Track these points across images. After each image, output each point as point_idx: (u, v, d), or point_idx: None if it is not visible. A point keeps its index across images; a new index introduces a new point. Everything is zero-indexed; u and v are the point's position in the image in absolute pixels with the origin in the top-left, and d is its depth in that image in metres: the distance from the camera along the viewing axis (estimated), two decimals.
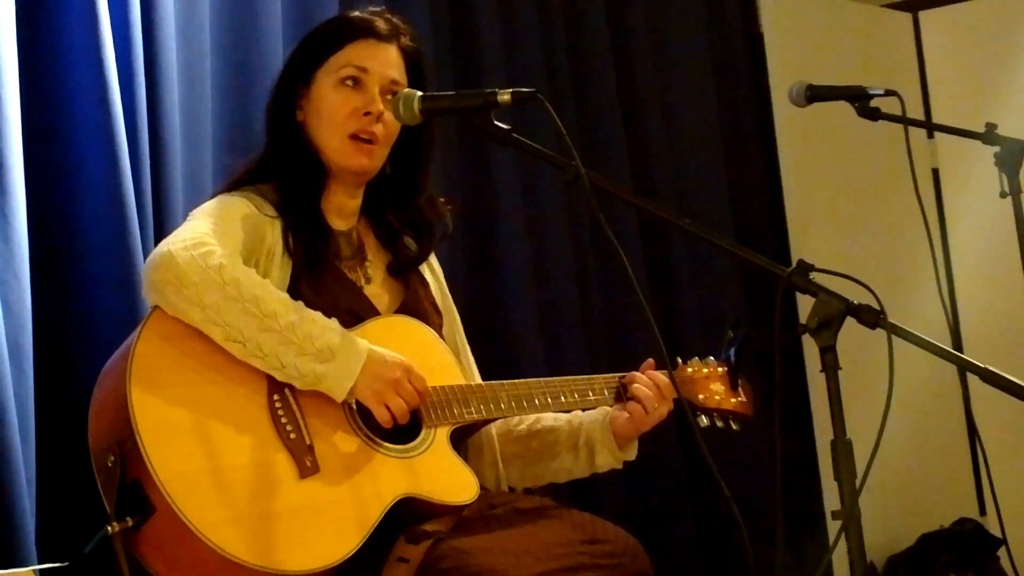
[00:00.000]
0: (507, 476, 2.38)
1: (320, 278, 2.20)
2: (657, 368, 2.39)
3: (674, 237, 4.09)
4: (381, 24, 2.30)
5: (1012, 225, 2.81)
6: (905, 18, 5.01)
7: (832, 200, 4.59)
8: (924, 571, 4.36)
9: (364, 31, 2.29)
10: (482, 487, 2.20)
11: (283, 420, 2.02)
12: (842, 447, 1.77)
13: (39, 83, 2.54)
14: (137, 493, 1.91)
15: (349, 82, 2.27)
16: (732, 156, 4.41)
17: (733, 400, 2.50)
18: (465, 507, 2.13)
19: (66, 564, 2.17)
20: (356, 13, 2.37)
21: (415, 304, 2.32)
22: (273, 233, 2.20)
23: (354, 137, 2.25)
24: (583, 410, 2.38)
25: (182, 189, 2.72)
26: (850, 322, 1.79)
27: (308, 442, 2.02)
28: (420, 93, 2.09)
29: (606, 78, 4.00)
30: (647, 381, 2.36)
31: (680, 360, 2.50)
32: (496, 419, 2.33)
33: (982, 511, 4.68)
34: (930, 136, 4.77)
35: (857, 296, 1.80)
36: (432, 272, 2.45)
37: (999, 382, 1.73)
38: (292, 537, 1.94)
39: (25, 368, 2.38)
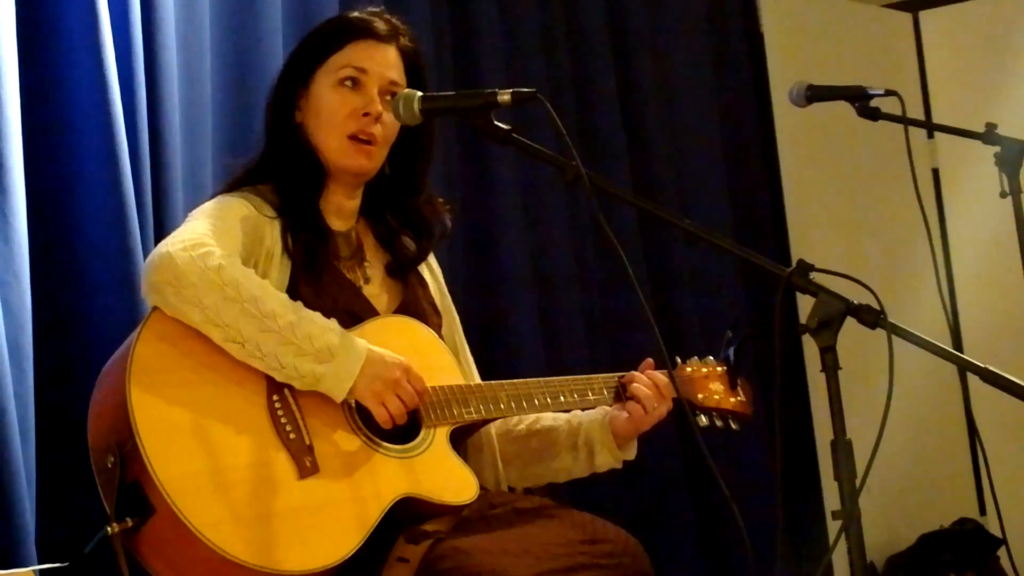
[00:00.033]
0: (506, 476, 2.38)
1: (319, 279, 2.20)
2: (656, 368, 2.39)
3: (674, 237, 4.08)
4: (380, 25, 2.30)
5: (1012, 225, 2.81)
6: (905, 18, 5.01)
7: (832, 200, 4.59)
8: (924, 571, 4.36)
9: (363, 32, 2.29)
10: (482, 487, 2.20)
11: (283, 420, 2.02)
12: (842, 447, 1.77)
13: (39, 83, 2.54)
14: (137, 494, 1.91)
15: (348, 83, 2.27)
16: (732, 156, 4.41)
17: (732, 399, 2.50)
18: (465, 507, 2.13)
19: (66, 564, 2.17)
20: (355, 14, 2.37)
21: (414, 304, 2.32)
22: (272, 234, 2.20)
23: (353, 138, 2.25)
24: (582, 410, 2.38)
25: (182, 189, 2.73)
26: (850, 322, 1.78)
27: (308, 442, 2.02)
28: (420, 93, 2.09)
29: (606, 78, 4.00)
30: (646, 381, 2.36)
31: (679, 360, 2.50)
32: (495, 419, 2.33)
33: (982, 511, 4.68)
34: (930, 136, 4.77)
35: (857, 296, 1.80)
36: (431, 272, 2.45)
37: (999, 382, 1.73)
38: (292, 537, 1.94)
39: (25, 368, 2.38)
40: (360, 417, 2.09)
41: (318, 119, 2.27)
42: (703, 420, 2.46)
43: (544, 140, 2.07)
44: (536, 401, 2.29)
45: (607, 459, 2.37)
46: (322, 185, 2.29)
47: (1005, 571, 4.24)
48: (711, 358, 2.52)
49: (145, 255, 2.41)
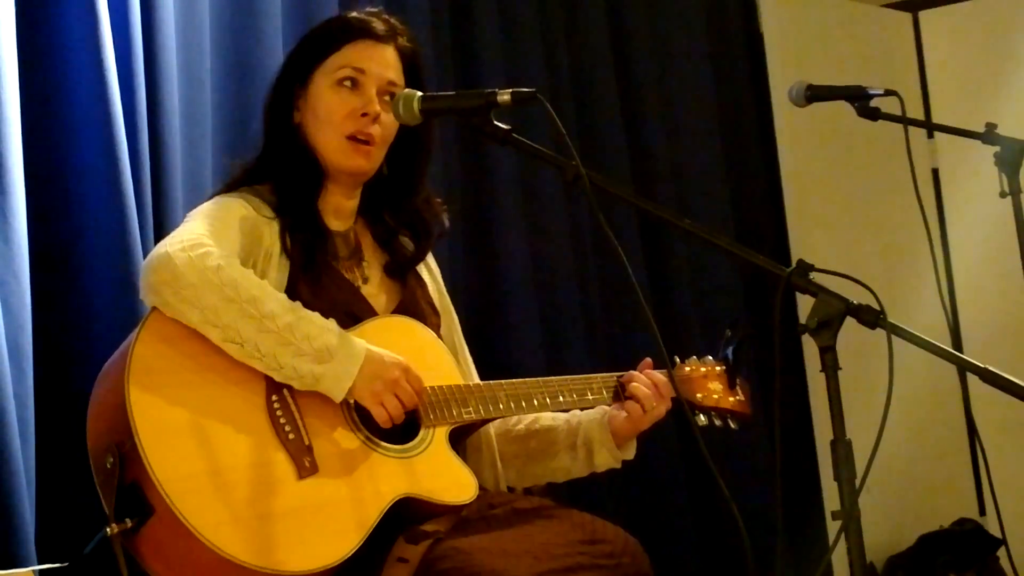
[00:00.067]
0: (506, 476, 2.39)
1: (318, 279, 2.20)
2: (655, 367, 2.39)
3: (674, 237, 4.08)
4: (378, 25, 2.30)
5: (1012, 225, 2.81)
6: (905, 18, 5.01)
7: (832, 200, 4.59)
8: (924, 571, 4.36)
9: (361, 32, 2.29)
10: (481, 487, 2.20)
11: (282, 420, 2.02)
12: (842, 447, 1.77)
13: (39, 83, 2.54)
14: (136, 494, 1.91)
15: (347, 83, 2.27)
16: (732, 156, 4.41)
17: (731, 399, 2.50)
18: (464, 507, 2.13)
19: (66, 565, 2.17)
20: (353, 14, 2.37)
21: (412, 304, 2.32)
22: (271, 234, 2.20)
23: (351, 138, 2.25)
24: (581, 410, 2.38)
25: (182, 189, 2.72)
26: (850, 322, 1.79)
27: (307, 442, 2.02)
28: (420, 93, 2.08)
29: (606, 78, 4.00)
30: (645, 380, 2.36)
31: (678, 359, 2.50)
32: (494, 419, 2.33)
33: (982, 511, 4.68)
34: (930, 136, 4.77)
35: (857, 296, 1.80)
36: (429, 272, 2.45)
37: (999, 382, 1.73)
38: (291, 537, 1.94)
39: (25, 368, 2.38)
40: (359, 417, 2.09)
41: (316, 119, 2.27)
42: (702, 420, 2.46)
43: (544, 140, 2.07)
44: (535, 401, 2.29)
45: (606, 459, 2.37)
46: (320, 185, 2.29)
47: (1005, 571, 4.24)
48: (710, 357, 2.52)
49: (145, 255, 2.40)
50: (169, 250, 2.03)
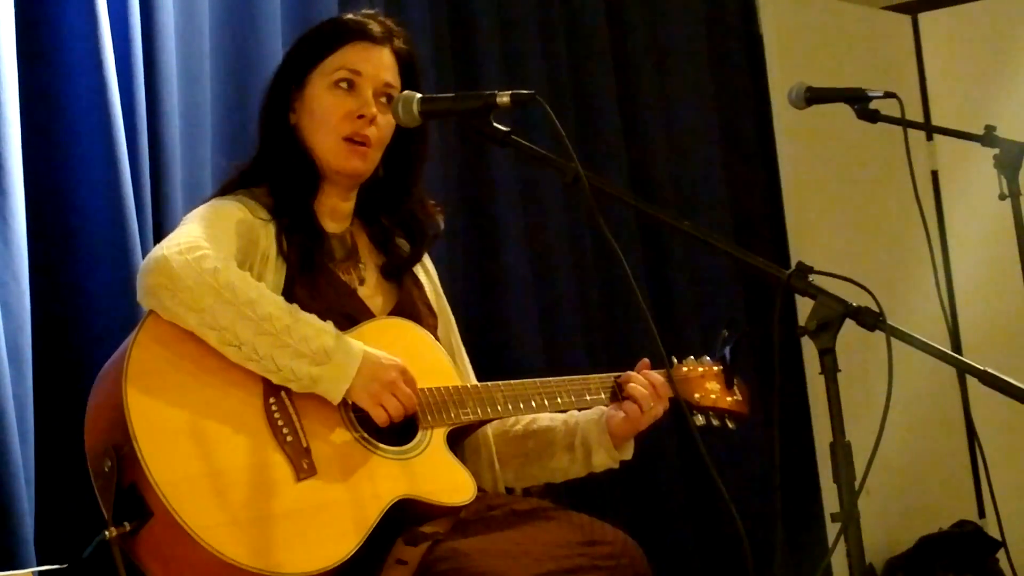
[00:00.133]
0: (503, 476, 2.38)
1: (314, 281, 2.20)
2: (653, 367, 2.39)
3: (673, 238, 4.08)
4: (375, 27, 2.30)
5: (1011, 227, 2.81)
6: (904, 20, 5.01)
7: (831, 202, 4.59)
8: (923, 573, 4.36)
9: (358, 34, 2.29)
10: (480, 488, 2.20)
11: (279, 423, 2.01)
12: (841, 449, 1.77)
13: (39, 83, 2.54)
14: (134, 497, 1.90)
15: (343, 84, 2.26)
16: (732, 157, 4.41)
17: (729, 399, 2.50)
18: (463, 508, 2.13)
19: (65, 566, 2.17)
20: (349, 15, 2.37)
21: (409, 305, 2.32)
22: (267, 237, 2.20)
23: (348, 140, 2.25)
24: (579, 410, 2.38)
25: (181, 190, 2.73)
26: (849, 324, 1.78)
27: (305, 444, 2.02)
28: (419, 95, 2.08)
29: (606, 78, 4.00)
30: (642, 380, 2.36)
31: (675, 359, 2.50)
32: (492, 420, 2.33)
33: (981, 514, 4.68)
34: (929, 138, 4.77)
35: (856, 298, 1.80)
36: (426, 273, 2.45)
37: (998, 384, 1.73)
38: (290, 539, 1.93)
39: (24, 369, 2.38)
40: (357, 419, 2.09)
41: (313, 121, 2.27)
42: (700, 420, 2.46)
43: (544, 141, 2.07)
44: (533, 402, 2.29)
45: (604, 459, 2.37)
46: (316, 187, 2.29)
47: (1004, 574, 4.23)
48: (707, 357, 2.52)
49: (144, 256, 2.40)
50: (166, 253, 2.02)
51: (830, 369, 1.78)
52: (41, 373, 2.43)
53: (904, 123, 2.77)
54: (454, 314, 2.48)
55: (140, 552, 1.94)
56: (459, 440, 2.26)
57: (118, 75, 2.57)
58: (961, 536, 4.44)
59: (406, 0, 3.38)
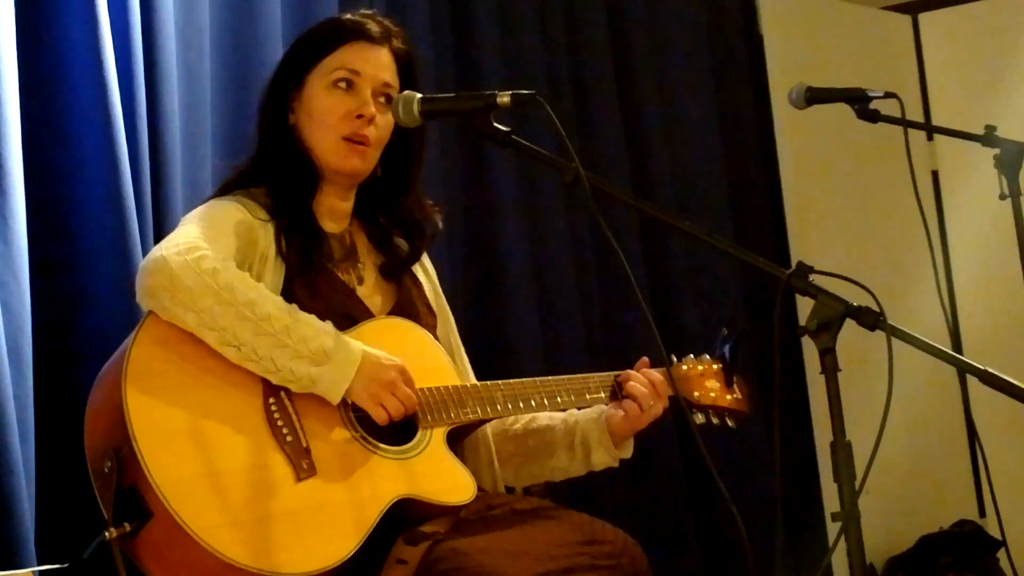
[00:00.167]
0: (503, 475, 2.38)
1: (313, 281, 2.20)
2: (653, 366, 2.39)
3: (673, 238, 4.08)
4: (373, 27, 2.30)
5: (1012, 227, 2.81)
6: (905, 20, 5.01)
7: (832, 202, 4.59)
8: (924, 573, 4.36)
9: (356, 34, 2.29)
10: (480, 488, 2.20)
11: (279, 423, 2.01)
12: (842, 449, 1.77)
13: (39, 84, 2.54)
14: (134, 498, 1.90)
15: (342, 84, 2.26)
16: (732, 157, 4.41)
17: (729, 397, 2.50)
18: (463, 508, 2.13)
19: (65, 566, 2.17)
20: (348, 15, 2.37)
21: (408, 305, 2.32)
22: (266, 237, 2.20)
23: (347, 139, 2.25)
24: (579, 409, 2.38)
25: (181, 190, 2.72)
26: (850, 324, 1.79)
27: (304, 444, 2.02)
28: (420, 95, 2.08)
29: (606, 78, 4.00)
30: (642, 379, 2.36)
31: (675, 358, 2.50)
32: (492, 419, 2.33)
33: (981, 513, 4.68)
34: (929, 138, 4.77)
35: (856, 298, 1.80)
36: (425, 272, 2.45)
37: (998, 384, 1.73)
38: (290, 539, 1.93)
39: (24, 370, 2.37)
40: (357, 419, 2.09)
41: (311, 121, 2.27)
42: (700, 418, 2.46)
43: (544, 141, 2.07)
44: (532, 401, 2.29)
45: (603, 458, 2.37)
46: (315, 187, 2.29)
47: (1004, 573, 4.24)
48: (707, 356, 2.52)
49: (144, 256, 2.40)
50: (165, 254, 2.02)
51: (830, 369, 1.78)
52: (41, 373, 2.43)
53: (904, 123, 2.77)
54: (454, 314, 2.48)
55: (140, 553, 1.94)
56: (459, 439, 2.26)
57: (118, 75, 2.57)
58: (961, 535, 4.44)
59: (406, 0, 3.38)
